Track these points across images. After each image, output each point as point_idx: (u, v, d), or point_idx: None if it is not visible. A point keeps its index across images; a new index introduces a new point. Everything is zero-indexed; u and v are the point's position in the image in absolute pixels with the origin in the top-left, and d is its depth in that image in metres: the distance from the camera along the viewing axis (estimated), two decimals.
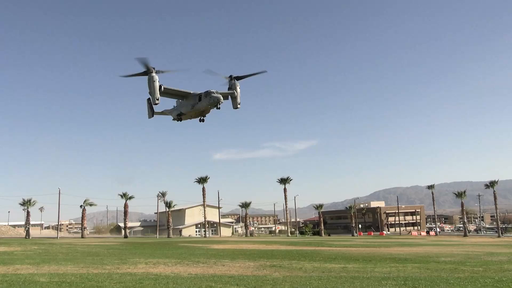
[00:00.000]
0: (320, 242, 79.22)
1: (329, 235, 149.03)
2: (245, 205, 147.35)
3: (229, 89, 59.33)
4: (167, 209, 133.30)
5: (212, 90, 56.48)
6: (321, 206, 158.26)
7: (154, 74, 51.85)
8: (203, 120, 62.08)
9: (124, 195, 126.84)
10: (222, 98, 55.61)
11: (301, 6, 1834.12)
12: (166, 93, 56.93)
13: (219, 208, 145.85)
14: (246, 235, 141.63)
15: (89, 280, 21.38)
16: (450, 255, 44.39)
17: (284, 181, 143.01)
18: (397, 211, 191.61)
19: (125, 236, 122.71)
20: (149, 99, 56.63)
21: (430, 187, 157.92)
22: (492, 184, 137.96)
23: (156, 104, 54.56)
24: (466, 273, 25.89)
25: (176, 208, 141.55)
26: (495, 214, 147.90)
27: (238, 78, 59.11)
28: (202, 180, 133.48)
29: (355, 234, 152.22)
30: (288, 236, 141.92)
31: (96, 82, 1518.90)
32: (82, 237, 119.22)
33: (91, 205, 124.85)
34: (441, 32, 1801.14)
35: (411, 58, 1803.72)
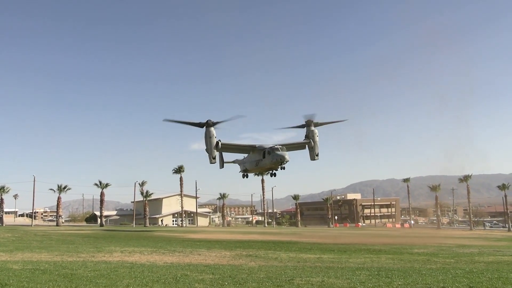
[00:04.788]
0: (296, 233, 79.79)
1: (305, 226, 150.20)
2: (223, 196, 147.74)
3: (306, 137, 54.12)
4: (144, 198, 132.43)
5: (277, 146, 50.35)
6: (298, 197, 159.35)
7: (211, 128, 46.35)
8: (274, 175, 56.49)
9: (100, 184, 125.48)
10: (287, 156, 49.50)
11: None
12: (225, 148, 51.57)
13: (196, 198, 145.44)
14: (223, 225, 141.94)
15: (63, 268, 21.16)
16: (423, 247, 45.22)
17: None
18: (373, 203, 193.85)
19: (101, 225, 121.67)
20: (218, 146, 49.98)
21: (406, 180, 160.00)
22: (465, 178, 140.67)
23: (213, 163, 49.51)
24: (438, 264, 26.40)
25: (153, 197, 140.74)
26: (468, 208, 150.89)
27: (316, 124, 53.69)
28: (179, 170, 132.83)
29: (331, 226, 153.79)
30: (265, 226, 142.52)
31: (72, 64, 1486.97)
32: (57, 225, 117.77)
33: (65, 188, 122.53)
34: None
35: (391, 47, 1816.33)
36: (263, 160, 51.17)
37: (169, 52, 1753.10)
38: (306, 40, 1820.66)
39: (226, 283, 16.57)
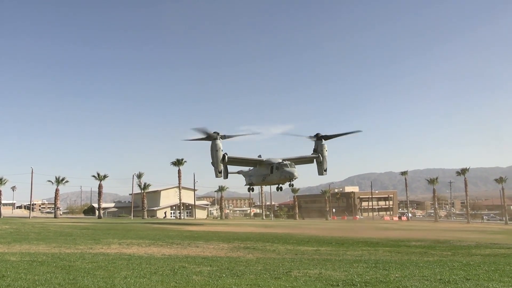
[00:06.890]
0: (294, 225, 79.89)
1: (303, 219, 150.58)
2: (221, 188, 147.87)
3: (314, 151, 52.47)
4: (142, 191, 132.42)
5: (286, 162, 48.76)
6: (296, 190, 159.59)
7: (218, 141, 45.22)
8: (280, 189, 55.01)
9: (98, 176, 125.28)
10: (296, 173, 47.72)
11: None
12: (232, 161, 50.06)
13: (194, 190, 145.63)
14: (221, 218, 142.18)
15: (61, 259, 21.13)
16: (421, 239, 45.28)
17: None
18: (370, 196, 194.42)
19: (99, 217, 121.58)
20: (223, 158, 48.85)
21: (404, 173, 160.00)
22: (463, 171, 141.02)
23: (219, 177, 48.11)
24: (435, 257, 26.45)
25: (151, 189, 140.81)
26: (465, 201, 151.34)
27: (326, 137, 51.82)
28: (178, 163, 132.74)
29: (329, 218, 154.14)
30: (263, 219, 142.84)
31: (70, 54, 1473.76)
32: (55, 217, 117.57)
33: (63, 180, 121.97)
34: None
35: (382, 38, 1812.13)
36: (270, 175, 49.85)
37: (164, 40, 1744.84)
38: (304, 27, 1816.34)
39: (224, 275, 16.55)
